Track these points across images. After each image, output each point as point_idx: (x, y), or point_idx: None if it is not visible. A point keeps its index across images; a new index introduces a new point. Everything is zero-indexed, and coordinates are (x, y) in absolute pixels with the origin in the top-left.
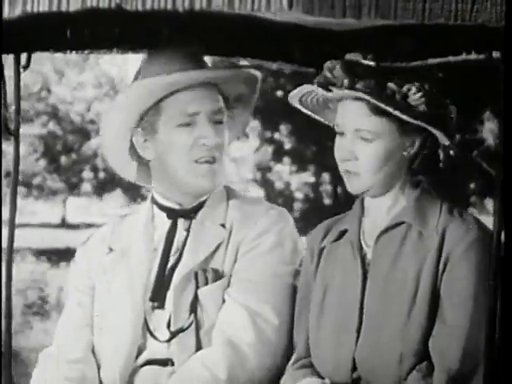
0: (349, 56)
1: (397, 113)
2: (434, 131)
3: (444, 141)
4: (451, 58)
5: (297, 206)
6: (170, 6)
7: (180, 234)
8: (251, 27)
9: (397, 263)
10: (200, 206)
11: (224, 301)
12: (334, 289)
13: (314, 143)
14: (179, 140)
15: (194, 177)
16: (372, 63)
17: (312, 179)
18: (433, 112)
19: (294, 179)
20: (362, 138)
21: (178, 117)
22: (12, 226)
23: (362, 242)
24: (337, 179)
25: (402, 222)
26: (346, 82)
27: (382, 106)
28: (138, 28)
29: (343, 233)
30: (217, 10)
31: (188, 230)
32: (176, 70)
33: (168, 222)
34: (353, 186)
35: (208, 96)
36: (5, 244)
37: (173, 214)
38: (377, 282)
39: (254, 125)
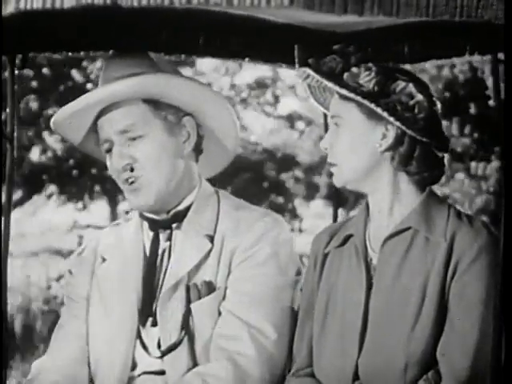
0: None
1: (345, 92)
2: (397, 123)
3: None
4: (455, 60)
5: None
6: (167, 3)
7: (163, 245)
8: (250, 28)
9: (403, 269)
10: (182, 214)
11: (219, 313)
12: (338, 295)
13: None
14: (109, 166)
15: (128, 195)
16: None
17: None
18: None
19: None
20: (334, 124)
21: (102, 143)
22: (7, 227)
23: (368, 247)
24: None
25: (409, 228)
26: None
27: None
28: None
29: (348, 238)
30: (215, 7)
31: (170, 241)
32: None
33: (151, 233)
34: (334, 177)
35: (121, 113)
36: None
37: (153, 225)
38: (382, 288)
39: None
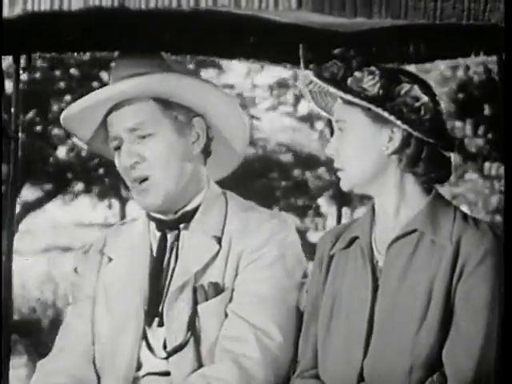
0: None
1: (350, 97)
2: (403, 126)
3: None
4: (464, 61)
5: None
6: (174, 5)
7: (170, 245)
8: (255, 28)
9: (408, 272)
10: (190, 215)
11: (226, 315)
12: (343, 297)
13: None
14: (117, 164)
15: (137, 195)
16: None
17: None
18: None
19: None
20: (339, 129)
21: (111, 140)
22: (11, 226)
23: (374, 249)
24: None
25: (415, 230)
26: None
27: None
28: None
29: (353, 239)
30: (222, 9)
31: (177, 241)
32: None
33: (159, 234)
34: (341, 182)
35: (131, 111)
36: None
37: (161, 226)
38: (388, 290)
39: None
